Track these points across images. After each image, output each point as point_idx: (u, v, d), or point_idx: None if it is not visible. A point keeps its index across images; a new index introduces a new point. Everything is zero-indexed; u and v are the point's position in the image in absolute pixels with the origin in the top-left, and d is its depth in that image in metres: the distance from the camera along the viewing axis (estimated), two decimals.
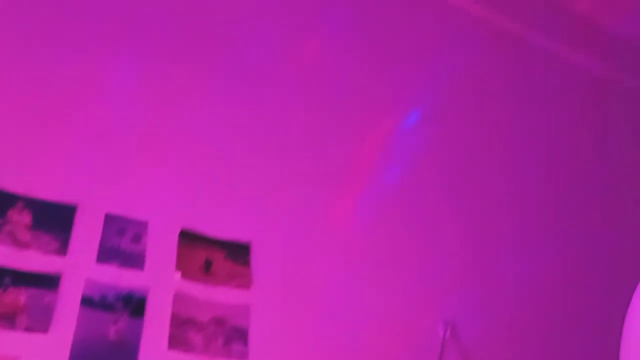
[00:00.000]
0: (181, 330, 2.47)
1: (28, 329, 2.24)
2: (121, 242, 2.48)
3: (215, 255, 2.62)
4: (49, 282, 2.32)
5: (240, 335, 2.56)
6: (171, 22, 2.69)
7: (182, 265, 2.55)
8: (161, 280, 2.50)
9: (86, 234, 2.44)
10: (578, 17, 3.42)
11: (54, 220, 2.40)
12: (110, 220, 2.49)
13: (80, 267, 2.39)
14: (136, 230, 2.52)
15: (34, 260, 2.32)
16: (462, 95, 3.16)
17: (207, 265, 2.59)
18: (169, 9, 2.69)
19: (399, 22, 3.04)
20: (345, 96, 2.91)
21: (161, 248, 2.54)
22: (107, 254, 2.45)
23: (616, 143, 3.53)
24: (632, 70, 3.62)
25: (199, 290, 2.55)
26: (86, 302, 2.35)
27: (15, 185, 2.36)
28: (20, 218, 2.35)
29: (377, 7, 3.04)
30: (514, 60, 3.34)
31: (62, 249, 2.38)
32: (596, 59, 3.54)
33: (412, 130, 2.98)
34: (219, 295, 2.57)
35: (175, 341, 2.45)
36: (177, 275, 2.53)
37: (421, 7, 3.17)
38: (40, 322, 2.26)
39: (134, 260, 2.48)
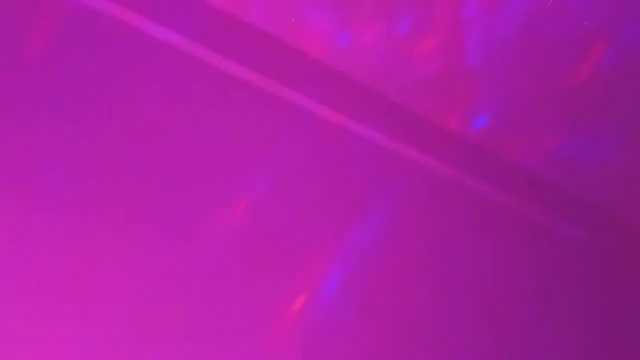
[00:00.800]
0: None
1: None
2: None
3: None
4: None
5: None
6: (93, 178, 2.54)
7: None
8: None
9: None
10: (520, 167, 3.47)
11: None
12: None
13: None
14: None
15: None
16: (394, 251, 3.11)
17: None
18: (98, 169, 2.54)
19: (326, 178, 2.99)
20: (273, 259, 2.81)
21: None
22: None
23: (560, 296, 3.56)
24: (576, 221, 3.71)
25: None
26: None
27: None
28: None
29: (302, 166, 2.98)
30: (450, 208, 3.33)
31: None
32: (544, 210, 3.60)
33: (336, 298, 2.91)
34: None
35: None
36: None
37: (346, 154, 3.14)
38: None
39: None
